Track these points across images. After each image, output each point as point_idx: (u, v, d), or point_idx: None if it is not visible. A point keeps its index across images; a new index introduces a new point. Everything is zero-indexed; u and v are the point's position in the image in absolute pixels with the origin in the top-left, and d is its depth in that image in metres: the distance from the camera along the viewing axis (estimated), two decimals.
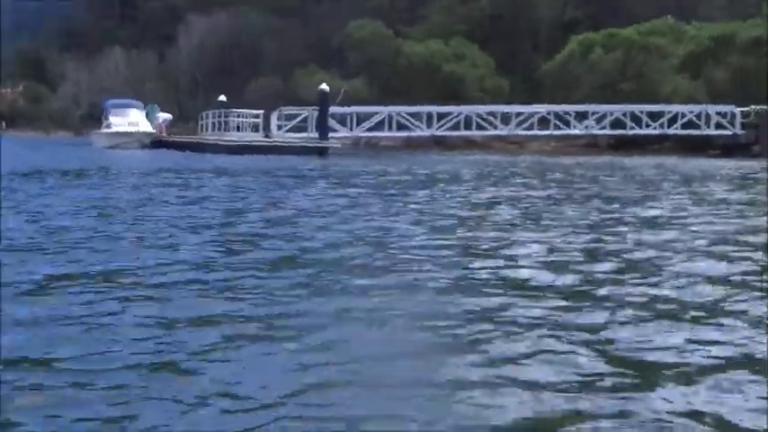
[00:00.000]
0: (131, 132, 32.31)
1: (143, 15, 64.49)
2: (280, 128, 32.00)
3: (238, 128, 33.16)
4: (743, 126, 32.46)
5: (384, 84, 47.44)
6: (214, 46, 58.72)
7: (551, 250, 6.22)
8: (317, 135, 31.00)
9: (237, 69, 57.87)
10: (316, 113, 31.79)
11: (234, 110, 33.09)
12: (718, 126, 32.91)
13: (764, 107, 32.36)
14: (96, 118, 42.17)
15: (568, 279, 5.02)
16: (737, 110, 32.30)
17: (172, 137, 34.26)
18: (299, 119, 32.18)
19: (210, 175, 16.37)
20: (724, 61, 36.10)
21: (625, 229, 7.71)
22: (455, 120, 32.39)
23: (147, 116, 34.18)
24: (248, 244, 6.38)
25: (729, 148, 33.39)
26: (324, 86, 30.63)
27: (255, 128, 33.05)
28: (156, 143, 32.59)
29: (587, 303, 4.35)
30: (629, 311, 4.14)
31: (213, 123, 33.86)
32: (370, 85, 49.35)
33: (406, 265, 5.42)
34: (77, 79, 56.55)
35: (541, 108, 33.02)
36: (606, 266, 5.50)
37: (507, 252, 6.10)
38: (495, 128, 33.09)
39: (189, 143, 31.52)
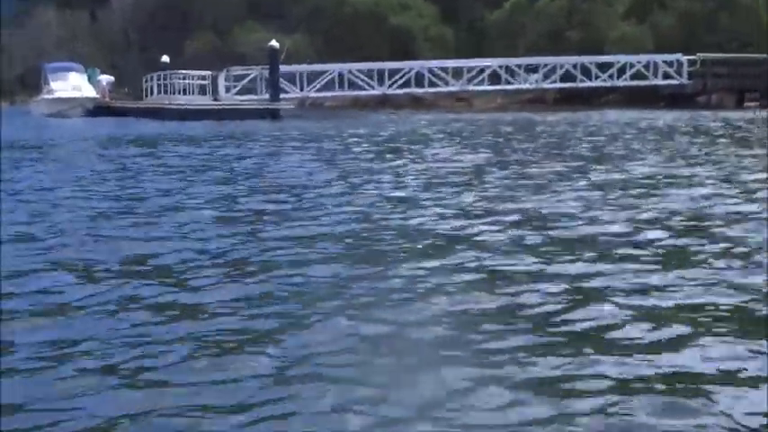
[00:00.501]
0: (74, 98, 31.17)
1: None
2: (228, 89, 31.23)
3: (184, 90, 32.25)
4: (690, 75, 32.72)
5: (328, 38, 46.61)
6: (146, 3, 56.84)
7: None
8: (267, 96, 30.35)
9: (172, 27, 56.17)
10: (264, 73, 31.08)
11: (180, 72, 32.13)
12: (666, 76, 33.13)
13: (711, 55, 32.64)
14: (31, 84, 40.67)
15: None
16: (684, 58, 32.51)
17: (115, 102, 33.20)
18: (247, 79, 31.44)
19: (178, 146, 15.81)
20: (670, 6, 36.25)
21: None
22: (406, 76, 31.97)
23: (89, 80, 32.98)
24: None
25: (676, 99, 33.74)
26: (274, 43, 29.88)
27: (202, 90, 32.18)
28: (100, 109, 31.54)
29: None
30: None
31: (159, 86, 32.85)
32: (313, 40, 48.44)
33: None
34: (7, 43, 54.27)
35: (492, 62, 32.80)
36: None
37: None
38: (447, 84, 32.77)
39: (136, 108, 30.61)
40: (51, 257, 5.13)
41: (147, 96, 33.59)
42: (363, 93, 32.59)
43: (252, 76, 31.30)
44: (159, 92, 32.62)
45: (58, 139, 18.21)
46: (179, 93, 32.04)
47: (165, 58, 35.70)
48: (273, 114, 28.52)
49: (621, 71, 32.94)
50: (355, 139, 17.23)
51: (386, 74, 32.03)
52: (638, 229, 5.86)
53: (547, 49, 37.41)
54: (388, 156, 12.98)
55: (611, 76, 32.70)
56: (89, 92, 32.00)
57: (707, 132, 18.34)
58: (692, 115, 26.26)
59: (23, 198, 8.05)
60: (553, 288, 4.19)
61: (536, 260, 4.87)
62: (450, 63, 32.93)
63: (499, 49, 38.95)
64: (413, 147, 14.84)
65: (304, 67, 31.94)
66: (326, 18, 46.77)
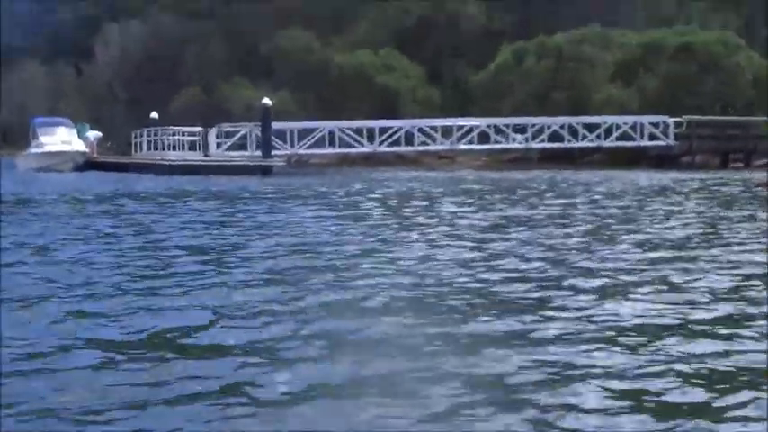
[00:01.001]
0: (64, 152, 30.99)
1: (57, 28, 62.15)
2: (219, 146, 31.24)
3: (174, 146, 32.23)
4: (676, 137, 33.17)
5: (315, 96, 46.96)
6: (132, 57, 57.09)
7: None
8: (257, 153, 30.37)
9: (158, 81, 56.38)
10: (256, 130, 31.16)
11: (170, 128, 32.13)
12: (652, 137, 33.57)
13: (696, 117, 33.15)
14: (13, 139, 40.47)
15: None
16: (671, 120, 32.99)
17: (104, 157, 33.08)
18: (238, 136, 31.49)
19: (189, 202, 15.66)
20: (654, 69, 36.89)
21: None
22: (397, 135, 32.16)
23: (78, 135, 32.85)
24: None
25: (662, 159, 34.14)
26: (266, 101, 30.00)
27: (192, 146, 32.18)
28: (89, 164, 31.37)
29: None
30: None
31: (149, 142, 32.80)
32: (300, 99, 48.77)
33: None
34: None
35: (481, 121, 33.08)
36: None
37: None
38: (435, 142, 32.99)
39: (126, 164, 30.49)
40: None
41: (136, 152, 33.51)
42: (353, 150, 32.66)
43: (243, 132, 31.34)
44: (149, 147, 32.57)
45: (57, 193, 18.01)
46: (169, 149, 32.01)
47: (154, 114, 35.76)
48: (265, 171, 28.52)
49: (608, 132, 33.32)
50: (369, 196, 17.20)
51: (376, 132, 32.19)
52: None
53: (533, 109, 37.91)
54: (410, 211, 12.96)
55: (598, 137, 33.05)
56: (79, 146, 31.85)
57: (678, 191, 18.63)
58: (677, 176, 26.59)
59: (52, 258, 7.89)
60: None
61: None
62: (439, 122, 33.20)
63: (485, 108, 39.42)
64: (438, 204, 14.86)
65: (294, 125, 32.03)
66: (313, 78, 47.15)
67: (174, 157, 29.81)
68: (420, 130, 32.30)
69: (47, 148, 31.18)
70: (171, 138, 32.01)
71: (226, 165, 28.50)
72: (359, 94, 45.70)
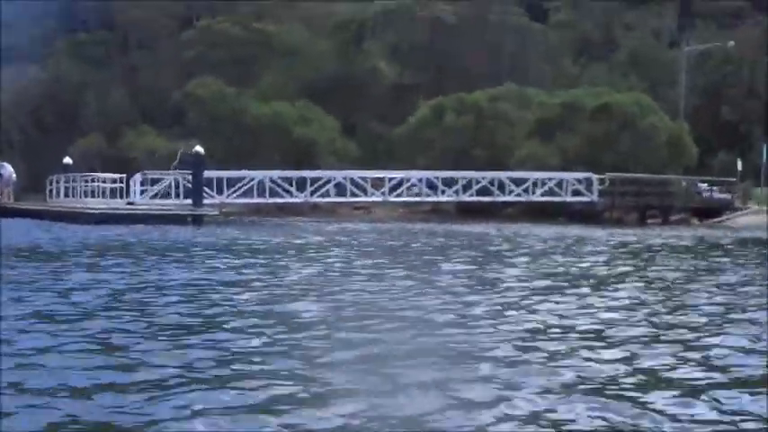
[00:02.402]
0: None
1: None
2: (142, 193, 29.87)
3: (93, 193, 30.65)
4: (599, 193, 33.94)
5: (226, 145, 45.90)
6: (29, 102, 54.66)
7: None
8: (185, 201, 29.17)
9: (56, 128, 54.13)
10: (180, 178, 30.00)
11: (90, 174, 30.57)
12: (576, 193, 34.23)
13: (618, 174, 34.06)
14: None
15: None
16: (595, 177, 33.76)
17: (19, 204, 31.09)
18: (164, 184, 30.22)
19: (162, 257, 14.55)
20: (573, 128, 37.84)
21: None
22: (329, 185, 31.64)
23: None
24: None
25: (584, 214, 34.84)
26: (198, 149, 28.92)
27: (113, 193, 30.70)
28: (2, 210, 29.34)
29: None
30: None
31: (66, 188, 31.05)
32: (211, 146, 47.57)
33: None
34: None
35: (413, 174, 33.00)
36: None
37: None
38: (366, 193, 32.62)
39: (45, 211, 28.64)
40: None
41: (51, 198, 31.66)
42: (286, 200, 31.90)
43: (169, 180, 30.11)
44: (67, 194, 30.82)
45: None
46: (88, 195, 30.41)
47: (68, 160, 34.08)
48: (197, 220, 27.39)
49: (534, 187, 33.80)
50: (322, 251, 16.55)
51: (308, 182, 31.56)
52: None
53: (452, 164, 38.15)
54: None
55: (525, 191, 33.45)
56: None
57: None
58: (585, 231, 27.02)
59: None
60: None
61: None
62: (373, 173, 32.88)
63: (404, 162, 39.46)
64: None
65: (223, 173, 31.03)
66: (226, 126, 46.17)
67: (98, 204, 28.24)
68: (352, 181, 31.83)
69: None
70: (90, 184, 30.42)
71: (155, 214, 27.17)
72: (273, 144, 45.02)
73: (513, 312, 7.75)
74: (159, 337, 6.32)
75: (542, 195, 33.63)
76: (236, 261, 13.57)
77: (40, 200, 35.51)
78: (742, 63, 44.40)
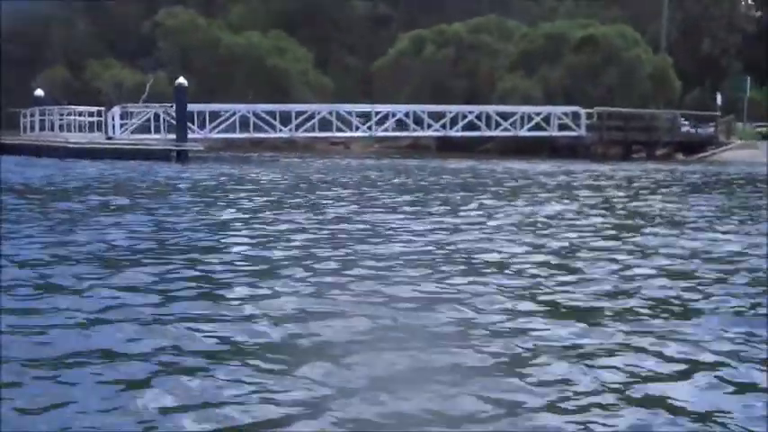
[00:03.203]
0: None
1: None
2: (122, 127, 28.80)
3: (69, 127, 29.50)
4: (587, 128, 33.52)
5: (198, 77, 44.54)
6: None
7: None
8: (166, 136, 28.20)
9: (21, 62, 52.12)
10: (161, 112, 28.95)
11: (67, 107, 29.37)
12: (562, 127, 33.77)
13: (607, 108, 33.66)
14: None
15: None
16: (583, 111, 33.30)
17: None
18: (144, 117, 29.15)
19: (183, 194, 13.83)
20: (557, 60, 37.22)
21: None
22: (314, 120, 30.78)
23: None
24: None
25: (570, 150, 34.51)
26: (182, 80, 27.84)
27: (91, 127, 29.58)
28: None
29: None
30: None
31: (41, 122, 29.83)
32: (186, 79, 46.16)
33: None
34: None
35: (400, 108, 32.24)
36: None
37: None
38: (352, 128, 31.84)
39: (19, 145, 27.52)
40: None
41: (25, 132, 30.42)
42: (270, 135, 31.01)
43: (149, 114, 29.04)
44: (42, 128, 29.62)
45: None
46: (63, 129, 29.27)
47: (39, 92, 32.77)
48: (181, 156, 26.52)
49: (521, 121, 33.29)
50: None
51: (292, 116, 30.67)
52: None
53: (432, 97, 37.39)
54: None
55: (513, 125, 32.90)
56: None
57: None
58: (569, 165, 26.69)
59: None
60: None
61: None
62: (358, 107, 32.04)
63: (382, 96, 38.57)
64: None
65: (205, 107, 29.99)
66: (199, 57, 44.75)
67: (79, 139, 27.18)
68: (338, 115, 31.01)
69: None
70: (66, 118, 29.25)
71: (137, 148, 26.25)
72: (246, 76, 43.81)
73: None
74: None
75: (529, 130, 33.11)
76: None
77: (7, 133, 34.21)
78: None
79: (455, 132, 32.60)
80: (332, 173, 21.32)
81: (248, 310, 4.96)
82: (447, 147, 37.54)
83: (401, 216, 10.34)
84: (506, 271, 6.42)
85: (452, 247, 7.57)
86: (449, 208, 11.60)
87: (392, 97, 38.14)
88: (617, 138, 34.36)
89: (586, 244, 7.93)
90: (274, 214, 10.46)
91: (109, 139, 27.86)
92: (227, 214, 10.46)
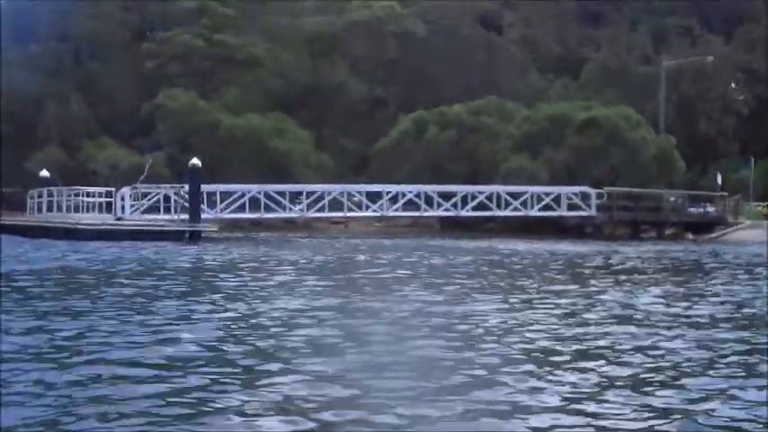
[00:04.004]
0: None
1: None
2: (132, 208, 28.31)
3: (77, 208, 28.99)
4: (597, 207, 33.44)
5: (200, 158, 44.28)
6: None
7: None
8: (175, 216, 27.73)
9: (14, 140, 51.76)
10: (172, 192, 28.56)
11: (76, 187, 28.90)
12: (571, 207, 33.69)
13: (616, 188, 33.69)
14: None
15: None
16: (593, 191, 33.28)
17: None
18: (154, 198, 28.73)
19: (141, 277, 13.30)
20: (561, 141, 37.40)
21: None
22: (327, 200, 30.50)
23: None
24: None
25: (578, 230, 34.41)
26: (195, 161, 27.53)
27: (100, 207, 29.12)
28: None
29: None
30: None
31: (49, 203, 29.27)
32: (184, 160, 45.95)
33: None
34: None
35: (411, 188, 32.06)
36: None
37: None
38: (362, 208, 31.57)
39: (27, 227, 26.87)
40: None
41: (33, 213, 29.80)
42: (279, 215, 30.63)
43: (160, 194, 28.63)
44: (50, 209, 29.04)
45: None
46: (71, 210, 28.75)
47: (45, 173, 32.30)
48: (194, 236, 26.01)
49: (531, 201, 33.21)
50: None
51: (304, 196, 30.39)
52: None
53: (431, 178, 37.28)
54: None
55: (524, 205, 32.77)
56: None
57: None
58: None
59: None
60: None
61: None
62: (369, 188, 31.83)
63: (383, 176, 38.41)
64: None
65: (215, 187, 29.63)
66: (199, 139, 44.59)
67: (86, 220, 26.61)
68: (349, 195, 30.76)
69: None
70: (75, 198, 28.74)
71: (151, 229, 25.71)
72: (246, 157, 43.64)
73: None
74: None
75: (539, 210, 32.99)
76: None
77: (6, 214, 33.49)
78: (715, 79, 44.71)
79: (465, 212, 32.38)
80: (368, 252, 20.84)
81: None
82: (450, 226, 37.32)
83: (499, 304, 9.88)
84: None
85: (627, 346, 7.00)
86: (537, 295, 11.12)
87: (391, 178, 38.05)
88: (626, 218, 34.31)
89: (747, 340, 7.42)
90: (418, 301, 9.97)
91: (118, 219, 27.33)
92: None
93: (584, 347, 6.80)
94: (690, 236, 34.12)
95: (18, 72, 54.12)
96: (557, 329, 7.80)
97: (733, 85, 46.73)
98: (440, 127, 40.60)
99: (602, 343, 7.03)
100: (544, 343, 6.99)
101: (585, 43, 58.89)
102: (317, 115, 50.54)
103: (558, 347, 6.77)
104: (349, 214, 31.39)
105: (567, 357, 6.18)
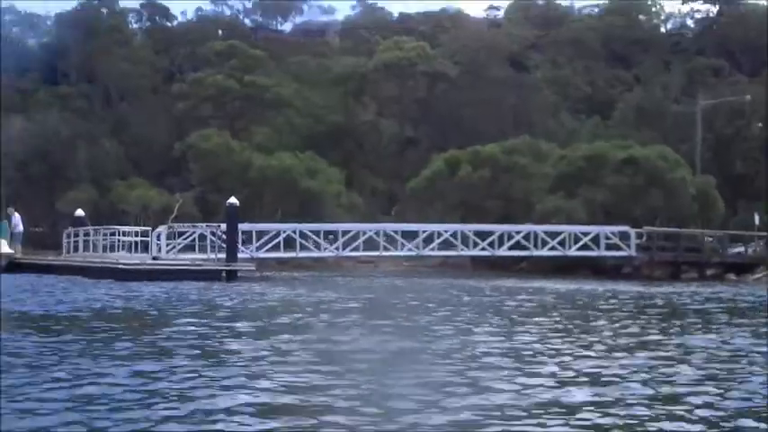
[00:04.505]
0: None
1: None
2: (168, 248, 28.06)
3: (112, 247, 28.75)
4: (637, 248, 32.82)
5: (229, 197, 44.10)
6: (16, 153, 52.42)
7: None
8: (211, 256, 27.42)
9: (44, 180, 52.03)
10: (208, 231, 28.29)
11: (112, 227, 28.70)
12: (609, 247, 33.08)
13: (656, 228, 33.09)
14: None
15: None
16: (633, 231, 32.69)
17: (30, 257, 28.98)
18: (189, 237, 28.49)
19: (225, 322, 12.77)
20: (598, 181, 36.89)
21: None
22: (361, 239, 30.13)
23: (1, 233, 28.53)
24: None
25: (618, 269, 33.77)
26: (233, 200, 27.26)
27: (133, 247, 28.85)
28: (13, 265, 27.25)
29: None
30: None
31: (85, 242, 29.06)
32: (213, 200, 45.83)
33: None
34: None
35: (447, 227, 31.64)
36: None
37: None
38: (396, 247, 31.15)
39: (64, 266, 26.61)
40: None
41: (68, 252, 29.60)
42: (316, 254, 30.25)
43: (195, 233, 28.37)
44: (86, 248, 28.83)
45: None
46: (106, 250, 28.50)
47: (80, 212, 32.16)
48: (231, 275, 25.65)
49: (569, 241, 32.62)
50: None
51: (339, 234, 30.03)
52: None
53: (463, 217, 36.85)
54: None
55: (562, 244, 32.22)
56: (2, 247, 27.65)
57: None
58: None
59: None
60: None
61: None
62: (405, 227, 31.45)
63: (416, 216, 38.03)
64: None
65: (251, 226, 29.34)
66: (230, 178, 44.50)
67: (122, 258, 26.32)
68: (385, 234, 30.36)
69: None
70: (111, 238, 28.52)
71: (190, 269, 25.39)
72: (278, 197, 43.47)
73: None
74: None
75: (577, 250, 32.41)
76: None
77: (35, 253, 33.26)
78: (753, 118, 44.14)
79: (501, 251, 31.86)
80: (413, 293, 20.34)
81: None
82: (482, 265, 36.72)
83: (603, 353, 9.29)
84: None
85: None
86: (627, 341, 10.54)
87: (423, 217, 37.65)
88: (667, 258, 33.62)
89: None
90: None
91: (155, 259, 27.04)
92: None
93: None
94: (732, 276, 33.35)
95: (49, 113, 54.56)
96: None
97: (759, 124, 46.05)
98: (473, 166, 40.21)
99: None
100: None
101: (614, 84, 58.69)
102: (347, 155, 50.40)
103: None
104: (384, 253, 30.94)
105: None
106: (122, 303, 15.21)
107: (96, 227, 29.38)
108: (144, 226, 32.59)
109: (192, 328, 10.69)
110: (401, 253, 31.18)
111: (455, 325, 11.55)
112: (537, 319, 13.34)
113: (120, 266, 24.64)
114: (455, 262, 38.15)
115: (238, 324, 11.48)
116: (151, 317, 12.85)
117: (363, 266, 39.28)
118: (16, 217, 29.24)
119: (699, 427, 5.34)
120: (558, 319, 13.52)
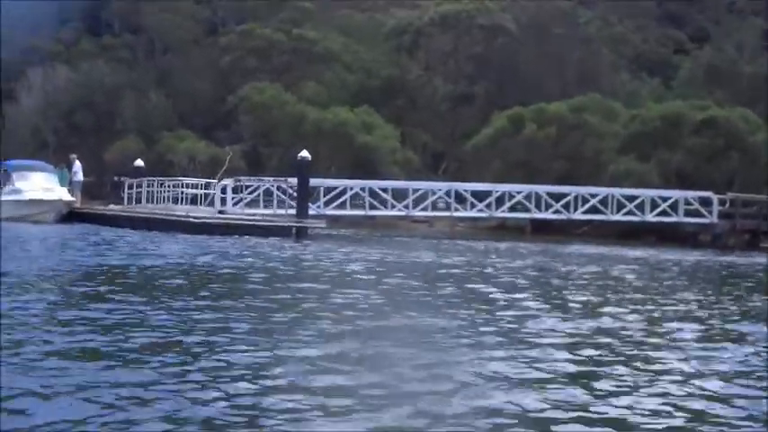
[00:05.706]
0: (46, 201, 25.70)
1: None
2: (234, 201, 26.83)
3: (174, 200, 27.62)
4: (719, 215, 31.12)
5: (282, 152, 42.84)
6: (62, 102, 51.48)
7: None
8: (284, 211, 26.19)
9: (90, 130, 51.00)
10: (274, 186, 27.03)
11: (178, 178, 27.54)
12: (688, 213, 31.42)
13: (741, 194, 31.37)
14: None
15: None
16: (715, 197, 30.99)
17: (90, 207, 27.93)
18: (256, 191, 27.24)
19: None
20: (674, 143, 35.10)
21: None
22: (433, 198, 28.75)
23: (59, 181, 27.50)
24: None
25: (695, 237, 32.11)
26: (305, 154, 25.90)
27: (195, 200, 27.71)
28: (73, 214, 26.23)
29: None
30: None
31: (148, 193, 27.93)
32: (266, 153, 44.61)
33: None
34: None
35: (520, 188, 30.12)
36: None
37: None
38: (467, 206, 29.73)
39: (126, 217, 25.50)
40: None
41: (130, 204, 28.49)
42: (384, 213, 28.93)
43: (261, 187, 27.11)
44: (149, 200, 27.70)
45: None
46: (169, 201, 27.37)
47: (139, 162, 31.03)
48: (300, 233, 24.41)
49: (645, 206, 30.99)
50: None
51: (410, 193, 28.65)
52: None
53: (524, 179, 35.23)
54: None
55: (640, 209, 30.61)
56: (62, 194, 26.60)
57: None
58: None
59: None
60: None
61: None
62: (476, 186, 29.99)
63: (476, 175, 36.54)
64: None
65: (319, 182, 28.02)
66: (283, 132, 43.18)
67: (196, 212, 25.16)
68: (457, 193, 28.95)
69: (26, 196, 25.78)
70: (173, 190, 27.36)
71: (259, 224, 24.17)
72: (332, 151, 42.03)
73: None
74: None
75: (656, 215, 30.80)
76: None
77: (90, 203, 32.22)
78: None
79: (578, 215, 30.35)
80: (500, 258, 18.98)
81: None
82: (541, 229, 35.15)
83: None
84: None
85: None
86: None
87: (482, 176, 36.09)
88: (750, 226, 31.91)
89: None
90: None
91: (220, 212, 25.83)
92: None
93: None
94: None
95: (94, 63, 53.39)
96: None
97: None
98: (538, 124, 38.49)
99: None
100: None
101: (667, 44, 56.47)
102: (399, 110, 48.76)
103: None
104: (456, 214, 29.53)
105: None
106: (237, 262, 13.95)
107: (161, 178, 28.19)
108: (192, 177, 31.49)
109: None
110: (473, 214, 29.73)
111: (634, 307, 10.15)
112: (684, 294, 11.94)
113: (190, 220, 23.45)
114: (512, 224, 36.63)
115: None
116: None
117: (419, 227, 37.86)
118: (77, 165, 28.18)
119: None
120: (710, 293, 12.11)
